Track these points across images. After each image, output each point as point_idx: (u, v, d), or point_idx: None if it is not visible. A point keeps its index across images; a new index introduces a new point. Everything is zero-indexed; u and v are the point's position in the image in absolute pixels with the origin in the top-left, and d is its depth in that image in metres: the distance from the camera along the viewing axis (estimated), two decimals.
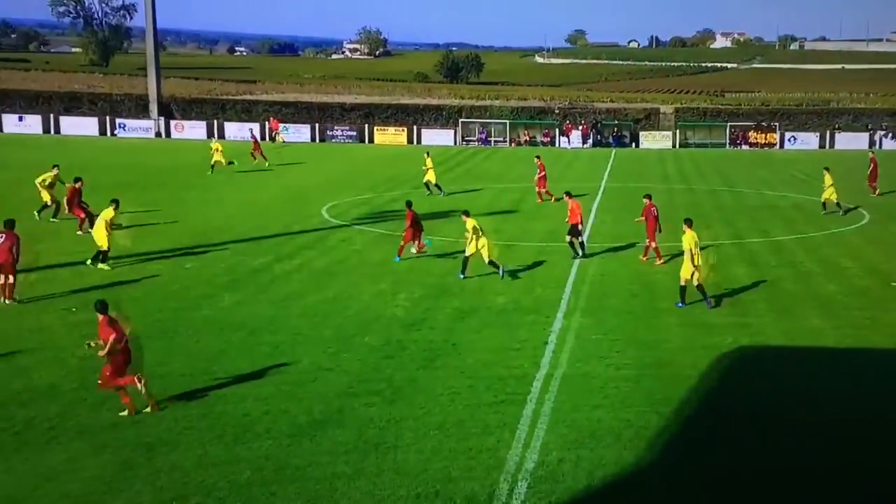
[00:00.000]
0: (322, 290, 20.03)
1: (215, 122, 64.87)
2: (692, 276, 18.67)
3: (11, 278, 18.03)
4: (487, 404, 13.23)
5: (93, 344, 12.60)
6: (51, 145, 52.89)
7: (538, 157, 36.83)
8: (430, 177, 36.15)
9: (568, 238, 23.82)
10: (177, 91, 78.62)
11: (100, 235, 21.55)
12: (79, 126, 62.92)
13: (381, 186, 38.89)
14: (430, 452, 11.54)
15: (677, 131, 65.76)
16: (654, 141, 64.59)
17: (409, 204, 24.15)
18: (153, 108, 64.94)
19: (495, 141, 65.97)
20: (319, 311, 18.24)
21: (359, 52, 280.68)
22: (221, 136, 63.76)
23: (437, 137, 65.25)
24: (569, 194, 24.31)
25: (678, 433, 12.35)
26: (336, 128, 66.26)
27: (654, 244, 23.39)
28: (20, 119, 62.38)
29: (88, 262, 21.73)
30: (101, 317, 12.67)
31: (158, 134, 63.14)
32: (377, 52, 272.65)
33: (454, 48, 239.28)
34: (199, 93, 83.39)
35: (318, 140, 64.64)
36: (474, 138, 66.17)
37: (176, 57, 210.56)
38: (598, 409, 13.13)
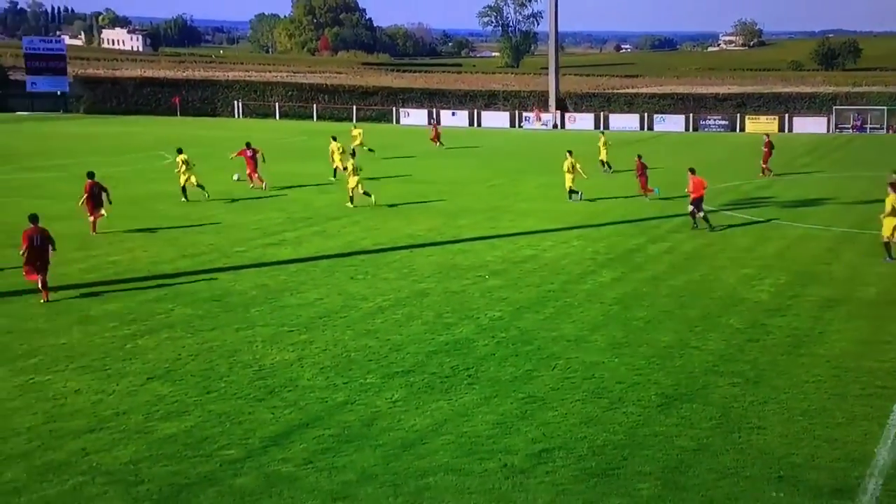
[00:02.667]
0: (689, 271, 19.21)
1: (601, 114, 65.02)
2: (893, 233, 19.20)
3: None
4: (854, 395, 11.79)
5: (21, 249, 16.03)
6: (469, 136, 56.59)
7: (767, 135, 38.53)
8: (603, 155, 36.93)
9: (690, 209, 23.80)
10: (571, 87, 79.98)
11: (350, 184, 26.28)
12: (494, 119, 66.62)
13: (749, 174, 36.36)
14: (794, 437, 10.55)
15: None
16: None
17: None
18: (551, 102, 66.75)
19: (871, 128, 58.51)
20: (686, 291, 17.52)
21: (734, 44, 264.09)
22: (606, 126, 63.80)
23: (810, 125, 59.41)
24: (692, 171, 23.92)
25: None
26: (709, 117, 63.09)
27: None
28: (453, 114, 67.56)
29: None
30: (30, 226, 16.21)
31: (555, 125, 64.86)
32: (752, 43, 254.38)
33: (830, 35, 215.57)
34: (589, 88, 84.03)
35: (690, 129, 62.09)
36: (848, 125, 59.23)
37: (572, 56, 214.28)
38: None
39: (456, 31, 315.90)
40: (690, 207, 23.97)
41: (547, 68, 73.36)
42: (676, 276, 18.79)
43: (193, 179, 27.72)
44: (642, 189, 29.00)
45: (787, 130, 59.74)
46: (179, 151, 28.41)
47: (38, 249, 16.20)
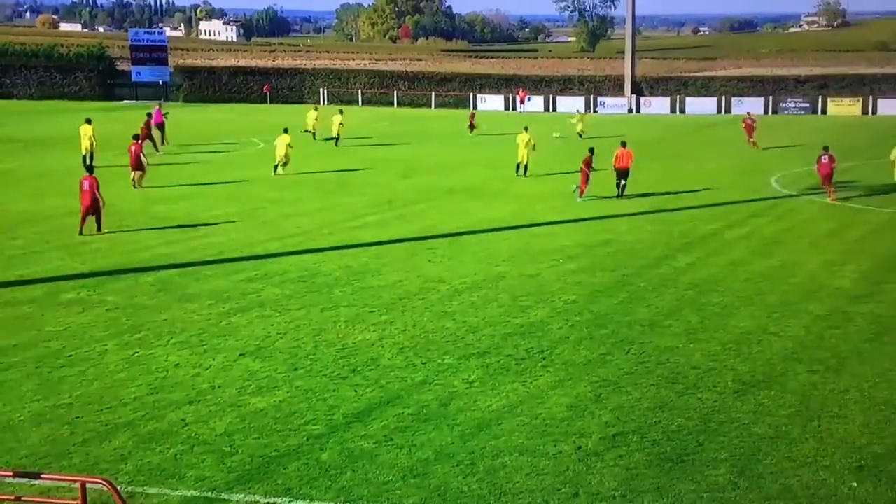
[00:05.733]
0: (768, 257, 18.54)
1: (677, 97, 63.25)
2: None
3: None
4: None
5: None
6: (545, 122, 55.93)
7: (749, 112, 43.75)
8: (579, 129, 43.09)
9: (617, 180, 25.30)
10: (647, 71, 78.14)
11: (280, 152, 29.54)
12: (568, 105, 65.33)
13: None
14: (876, 427, 10.08)
15: None
16: None
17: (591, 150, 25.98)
18: (627, 86, 65.28)
19: None
20: (765, 276, 16.91)
21: (817, 25, 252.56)
22: (682, 111, 62.10)
23: (894, 107, 56.40)
24: (623, 144, 25.76)
25: None
26: (789, 100, 60.62)
27: None
28: (529, 99, 66.53)
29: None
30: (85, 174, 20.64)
31: (630, 110, 63.44)
32: (835, 23, 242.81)
33: None
34: (665, 72, 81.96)
35: (770, 112, 59.78)
36: None
37: (648, 40, 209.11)
38: None
39: (533, 16, 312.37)
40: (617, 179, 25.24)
41: (623, 52, 71.72)
42: (754, 261, 18.16)
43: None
44: (583, 184, 25.30)
45: (871, 113, 56.91)
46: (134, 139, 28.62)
47: (86, 193, 20.25)
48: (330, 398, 10.97)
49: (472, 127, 46.20)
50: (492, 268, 17.68)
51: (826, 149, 25.33)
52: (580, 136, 42.43)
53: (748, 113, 44.40)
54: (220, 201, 25.25)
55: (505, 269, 17.53)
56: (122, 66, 74.24)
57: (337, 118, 39.60)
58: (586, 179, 25.19)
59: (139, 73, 69.04)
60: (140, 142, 28.85)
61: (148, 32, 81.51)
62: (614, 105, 64.01)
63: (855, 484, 8.76)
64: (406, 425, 10.18)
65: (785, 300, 15.30)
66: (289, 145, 30.00)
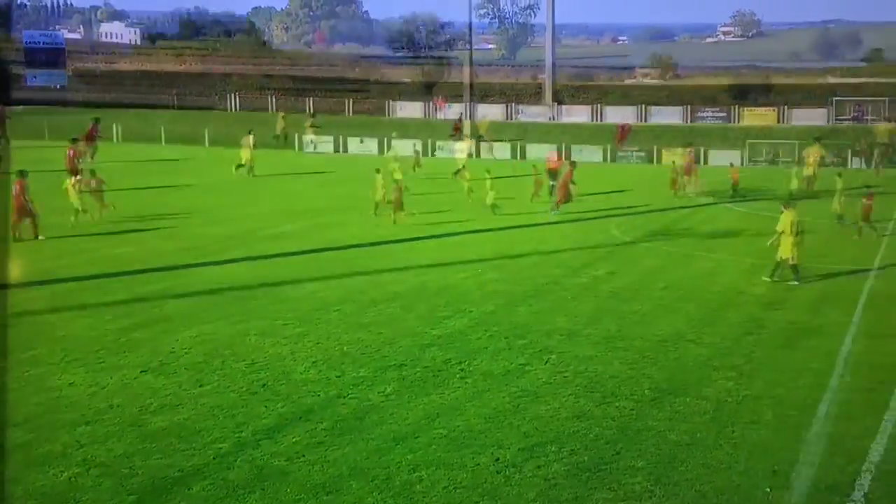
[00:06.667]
0: (687, 266, 19.16)
1: (598, 106, 64.81)
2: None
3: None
4: (854, 390, 11.73)
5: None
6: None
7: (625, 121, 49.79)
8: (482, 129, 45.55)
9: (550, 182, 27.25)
10: (567, 79, 79.80)
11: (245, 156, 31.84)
12: (490, 112, 66.12)
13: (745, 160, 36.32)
14: (790, 433, 10.49)
15: None
16: None
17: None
18: (547, 95, 66.49)
19: (871, 119, 58.28)
20: (684, 285, 17.45)
21: (732, 35, 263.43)
22: (601, 119, 63.70)
23: (807, 116, 59.23)
24: (558, 150, 29.83)
25: None
26: (706, 109, 62.87)
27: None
28: (449, 107, 67.03)
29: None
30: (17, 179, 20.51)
31: (551, 118, 64.61)
32: (750, 34, 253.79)
33: (831, 25, 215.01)
34: (585, 80, 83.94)
35: (688, 121, 61.88)
36: (848, 117, 59.02)
37: (568, 48, 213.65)
38: None
39: (452, 23, 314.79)
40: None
41: (543, 60, 73.13)
42: (674, 269, 18.74)
43: None
44: (560, 200, 25.00)
45: (785, 122, 59.55)
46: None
47: (16, 198, 20.30)
48: (238, 415, 10.74)
49: (457, 130, 47.25)
50: (410, 278, 17.69)
51: (689, 143, 30.20)
52: (480, 138, 44.91)
53: (625, 122, 53.36)
54: (124, 211, 24.48)
55: (424, 279, 17.57)
56: (16, 69, 71.38)
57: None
58: (565, 192, 24.91)
59: (34, 78, 66.47)
60: (80, 145, 29.42)
61: (44, 34, 78.70)
62: (534, 113, 65.04)
63: (769, 489, 9.11)
64: (319, 441, 10.06)
65: (703, 308, 15.82)
66: (251, 147, 31.80)
